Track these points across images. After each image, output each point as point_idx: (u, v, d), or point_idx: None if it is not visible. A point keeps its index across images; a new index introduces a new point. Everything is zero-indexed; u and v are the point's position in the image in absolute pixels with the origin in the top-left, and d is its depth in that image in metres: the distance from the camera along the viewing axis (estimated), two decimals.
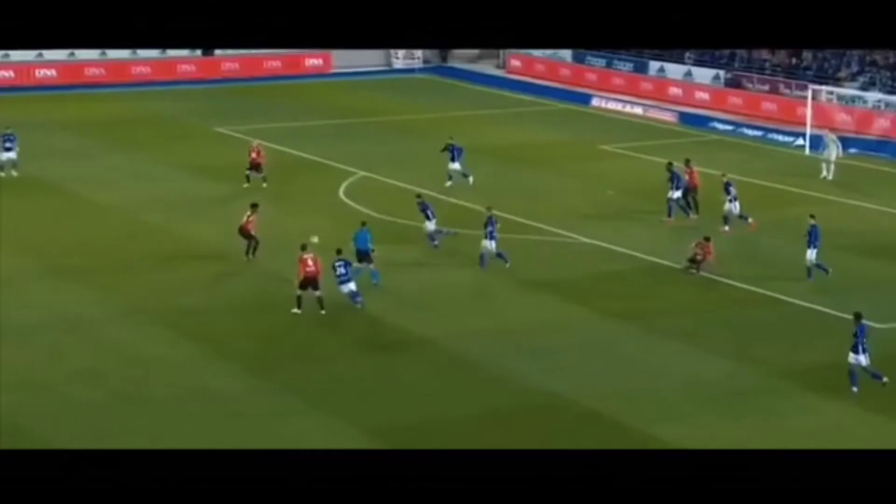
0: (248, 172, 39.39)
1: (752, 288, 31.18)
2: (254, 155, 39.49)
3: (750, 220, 35.98)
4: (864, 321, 24.79)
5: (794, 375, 25.63)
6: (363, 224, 31.61)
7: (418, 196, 34.77)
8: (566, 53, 66.08)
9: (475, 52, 71.45)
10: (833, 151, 43.98)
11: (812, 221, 31.87)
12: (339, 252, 29.08)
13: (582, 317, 29.13)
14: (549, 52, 66.82)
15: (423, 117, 54.79)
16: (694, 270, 31.71)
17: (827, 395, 24.67)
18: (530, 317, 29.17)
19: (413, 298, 30.23)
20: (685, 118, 54.64)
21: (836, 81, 54.68)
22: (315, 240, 29.34)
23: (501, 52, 69.08)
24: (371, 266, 30.58)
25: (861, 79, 54.84)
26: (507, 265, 31.88)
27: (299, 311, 28.32)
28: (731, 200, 35.92)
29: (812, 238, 31.54)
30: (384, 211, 37.96)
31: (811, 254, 31.52)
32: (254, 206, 33.03)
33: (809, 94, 50.68)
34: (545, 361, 26.33)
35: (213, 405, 23.97)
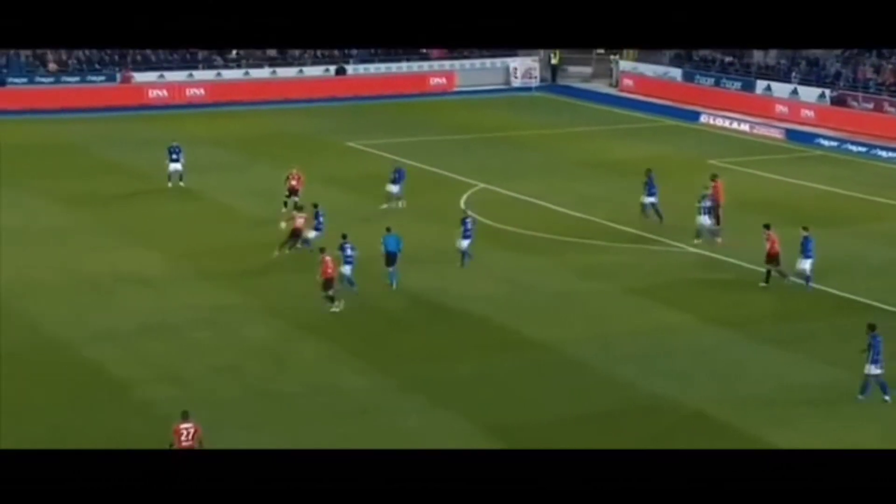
0: (285, 199, 37.11)
1: (851, 296, 30.29)
2: (293, 182, 37.34)
3: (719, 239, 34.72)
4: (876, 332, 23.87)
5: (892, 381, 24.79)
6: (388, 230, 31.52)
7: (465, 211, 34.93)
8: (676, 73, 65.18)
9: (589, 70, 70.93)
10: None
11: (805, 234, 31.08)
12: (344, 237, 30.14)
13: (687, 323, 28.63)
14: (660, 71, 65.99)
15: (540, 133, 54.55)
16: (778, 269, 30.62)
17: None
18: (639, 323, 28.79)
19: (527, 304, 30.05)
20: (791, 135, 53.44)
21: None
22: (282, 225, 30.79)
23: (614, 71, 68.44)
24: (392, 268, 30.74)
25: None
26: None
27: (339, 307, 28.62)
28: (703, 213, 34.67)
29: (805, 249, 30.77)
30: (501, 220, 37.86)
31: (805, 264, 30.70)
32: (298, 208, 34.26)
33: None
34: (652, 365, 25.93)
35: (341, 401, 24.14)
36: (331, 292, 28.97)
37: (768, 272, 31.02)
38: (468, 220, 33.40)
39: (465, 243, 32.64)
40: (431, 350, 27.02)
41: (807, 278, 30.93)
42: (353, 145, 50.42)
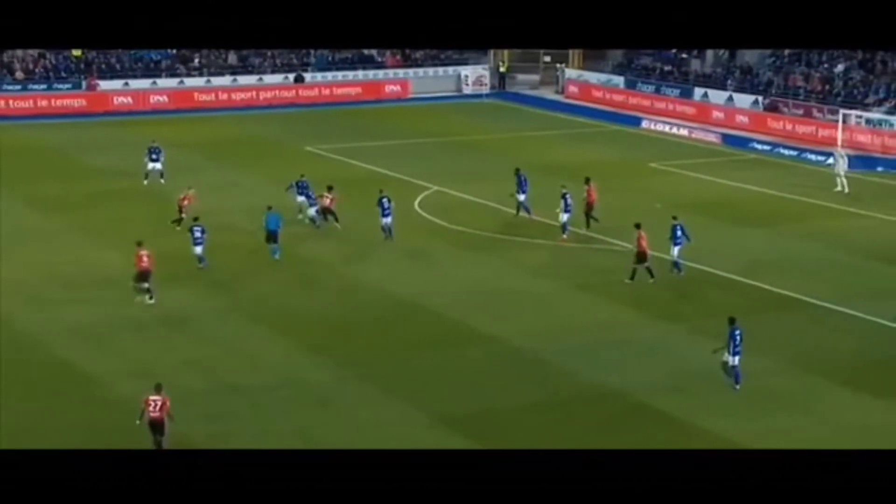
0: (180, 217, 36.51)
1: (784, 292, 30.90)
2: (185, 202, 36.78)
3: (565, 235, 35.48)
4: (736, 325, 24.44)
5: (825, 372, 25.36)
6: (269, 208, 33.42)
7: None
8: (619, 80, 65.80)
9: (536, 78, 71.39)
10: (841, 165, 43.52)
11: (674, 222, 32.01)
12: (195, 220, 32.57)
13: (630, 318, 29.04)
14: (603, 78, 66.58)
15: (490, 137, 54.90)
16: (647, 267, 31.18)
17: (855, 390, 24.36)
18: (584, 317, 29.16)
19: (478, 300, 30.34)
20: (727, 139, 54.18)
21: (865, 106, 53.90)
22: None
23: (560, 78, 68.95)
24: (276, 245, 32.86)
25: (887, 104, 53.99)
26: (390, 238, 34.65)
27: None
28: (565, 211, 35.40)
29: (675, 236, 31.72)
30: (454, 221, 38.14)
31: (675, 251, 31.68)
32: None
33: (840, 117, 50.10)
34: (596, 357, 26.30)
35: (303, 393, 24.28)
36: (146, 285, 29.38)
37: (633, 270, 31.28)
38: (385, 199, 35.07)
39: (387, 220, 34.90)
40: (388, 344, 27.22)
41: (675, 263, 31.71)
42: (311, 149, 50.47)
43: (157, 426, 21.02)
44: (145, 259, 29.52)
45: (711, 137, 54.78)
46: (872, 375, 25.43)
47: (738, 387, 24.28)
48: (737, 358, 24.29)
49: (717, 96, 60.24)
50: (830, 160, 44.88)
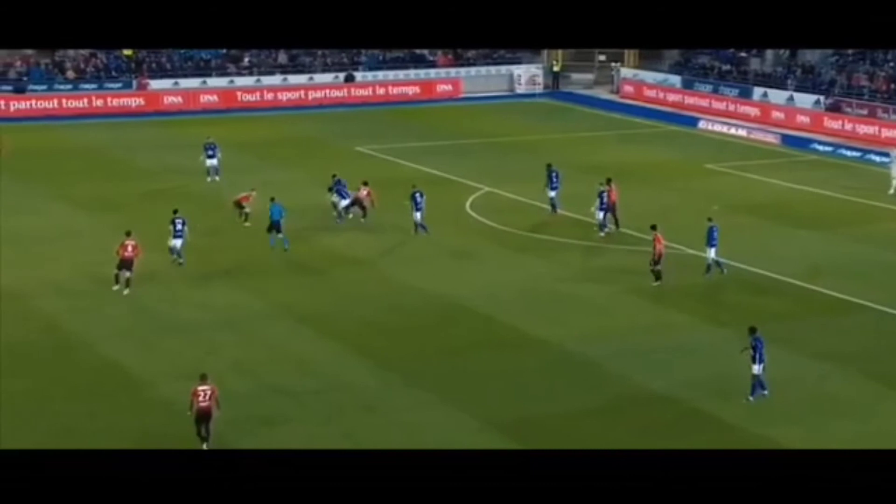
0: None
1: (844, 297, 30.49)
2: (245, 200, 37.63)
3: (602, 233, 35.52)
4: (757, 335, 24.00)
5: (884, 378, 24.98)
6: (272, 199, 34.91)
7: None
8: (676, 80, 65.36)
9: (591, 77, 71.12)
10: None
11: (710, 223, 31.89)
12: (175, 212, 33.02)
13: (683, 322, 28.81)
14: (660, 78, 66.16)
15: (543, 138, 54.78)
16: (658, 268, 31.04)
17: None
18: (635, 321, 28.98)
19: (531, 304, 30.27)
20: (787, 140, 53.59)
21: None
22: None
23: (615, 78, 68.63)
24: (281, 235, 34.17)
25: None
26: (419, 234, 35.53)
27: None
28: (600, 209, 35.46)
29: (711, 238, 31.59)
30: (505, 223, 38.10)
31: (711, 252, 31.57)
32: (365, 183, 37.54)
33: None
34: (648, 362, 26.12)
35: (351, 397, 24.36)
36: (127, 274, 30.33)
37: (657, 273, 31.16)
38: (417, 193, 35.69)
39: (417, 216, 35.63)
40: (436, 348, 27.24)
41: (716, 263, 31.68)
42: (361, 150, 50.69)
43: (205, 416, 21.56)
44: (129, 249, 30.54)
45: (771, 138, 54.22)
46: None
47: (766, 393, 23.87)
48: (761, 367, 23.85)
49: (777, 96, 59.63)
50: (888, 160, 44.34)
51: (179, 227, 32.65)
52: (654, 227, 31.68)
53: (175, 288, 31.26)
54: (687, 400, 24.09)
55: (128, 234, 31.20)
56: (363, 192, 37.39)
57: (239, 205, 37.40)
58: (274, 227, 34.43)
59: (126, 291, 30.32)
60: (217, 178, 42.91)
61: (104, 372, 25.50)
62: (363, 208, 37.43)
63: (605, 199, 35.80)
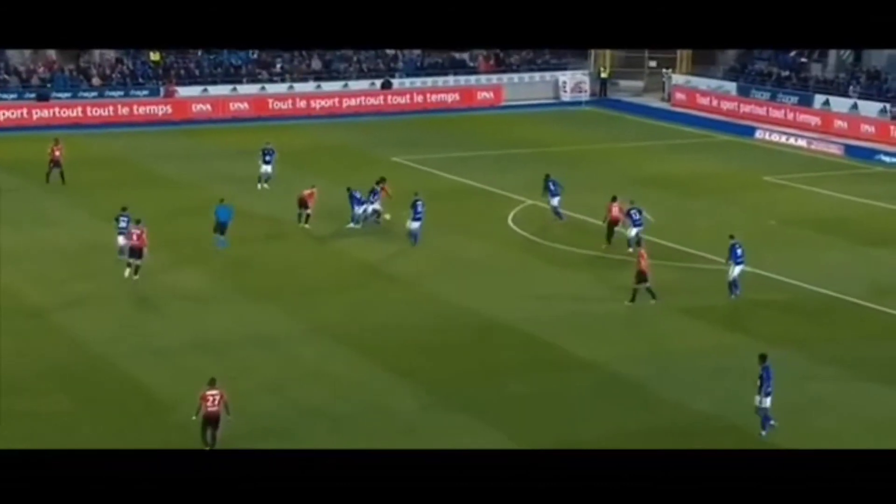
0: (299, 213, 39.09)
1: None
2: (310, 199, 39.11)
3: (630, 249, 35.38)
4: (767, 364, 23.57)
5: None
6: (222, 201, 36.56)
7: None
8: (731, 86, 65.19)
9: (640, 84, 71.08)
10: None
11: (732, 241, 31.94)
12: (124, 209, 34.60)
13: (740, 342, 28.73)
14: (714, 84, 66.00)
15: (590, 148, 54.83)
16: (644, 286, 31.05)
17: None
18: (687, 342, 28.94)
19: (577, 322, 30.32)
20: (850, 151, 53.26)
21: None
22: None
23: (666, 84, 68.54)
24: (223, 237, 35.81)
25: None
26: (416, 244, 36.01)
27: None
28: (634, 226, 35.66)
29: (735, 256, 31.60)
30: (549, 237, 38.17)
31: (735, 270, 31.58)
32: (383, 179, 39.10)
33: None
34: (700, 386, 26.06)
35: (390, 420, 24.50)
36: (138, 262, 32.71)
37: (634, 291, 31.18)
38: (419, 202, 36.27)
39: (415, 225, 36.06)
40: (478, 368, 27.34)
41: (732, 284, 31.65)
42: (398, 160, 50.95)
43: (214, 421, 22.43)
44: (135, 237, 32.73)
45: (833, 149, 53.91)
46: None
47: (774, 423, 23.51)
48: (768, 399, 23.40)
49: (840, 104, 59.30)
50: None
51: (124, 224, 34.05)
52: (638, 243, 31.46)
53: (206, 304, 31.56)
54: (743, 426, 23.99)
55: (137, 221, 33.16)
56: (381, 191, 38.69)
57: (303, 203, 38.48)
58: (219, 228, 35.91)
59: (135, 278, 32.50)
60: (266, 185, 44.08)
61: (129, 393, 25.79)
62: (377, 212, 38.64)
63: (637, 217, 35.96)
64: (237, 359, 27.74)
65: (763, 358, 23.87)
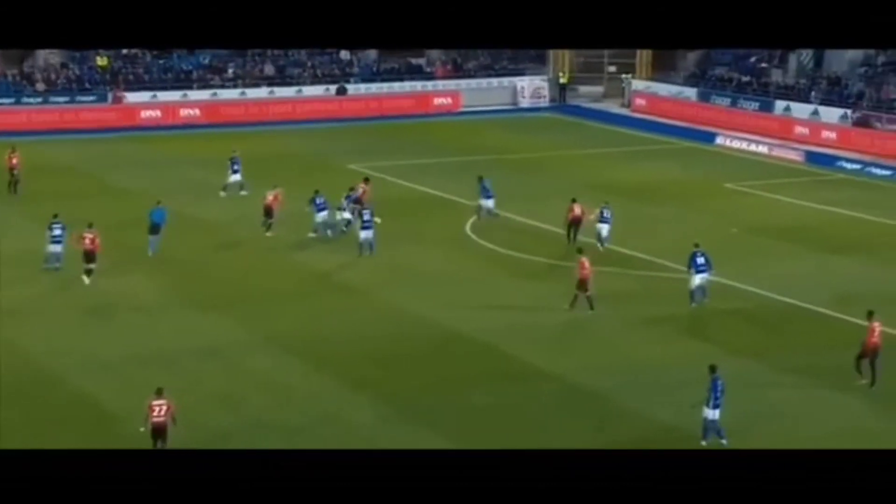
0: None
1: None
2: (274, 203, 39.30)
3: (601, 247, 36.65)
4: (717, 374, 23.69)
5: None
6: (158, 203, 37.23)
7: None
8: (691, 92, 65.70)
9: (600, 90, 71.47)
10: None
11: (696, 249, 32.31)
12: (55, 216, 34.82)
13: (705, 352, 28.87)
14: (674, 90, 66.49)
15: (549, 154, 55.02)
16: (586, 293, 31.38)
17: None
18: (652, 353, 29.08)
19: (536, 333, 30.37)
20: (811, 157, 53.82)
21: None
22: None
23: (626, 90, 68.96)
24: (156, 238, 36.33)
25: None
26: (365, 254, 36.02)
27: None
28: (603, 222, 37.04)
29: (695, 265, 31.99)
30: (509, 246, 38.23)
31: (703, 279, 31.99)
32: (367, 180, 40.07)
33: None
34: (664, 397, 26.17)
35: (346, 433, 24.40)
36: (92, 266, 33.18)
37: (574, 297, 31.53)
38: (367, 211, 36.63)
39: (365, 234, 36.30)
40: (436, 380, 27.32)
41: (693, 292, 32.03)
42: (354, 167, 50.85)
43: (160, 432, 22.36)
44: (88, 241, 33.15)
45: (794, 155, 54.45)
46: None
47: (724, 441, 23.63)
48: (717, 412, 23.47)
49: (801, 110, 59.93)
50: None
51: (58, 232, 34.21)
52: (579, 251, 32.02)
53: (156, 314, 31.34)
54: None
55: (89, 225, 33.34)
56: (360, 190, 39.04)
57: (269, 211, 38.60)
58: (153, 230, 36.37)
59: (87, 281, 32.93)
60: (243, 192, 44.29)
61: (78, 407, 25.53)
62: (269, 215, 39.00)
63: (607, 214, 37.27)
64: (187, 370, 27.56)
65: (713, 369, 23.89)
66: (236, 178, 44.64)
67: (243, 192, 44.20)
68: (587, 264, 31.66)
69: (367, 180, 40.68)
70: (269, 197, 39.30)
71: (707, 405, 23.56)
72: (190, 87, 64.22)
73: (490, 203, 40.68)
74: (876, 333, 26.70)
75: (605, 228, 37.11)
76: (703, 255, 32.43)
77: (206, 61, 65.97)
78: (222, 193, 44.37)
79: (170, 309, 31.91)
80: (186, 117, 62.13)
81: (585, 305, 31.48)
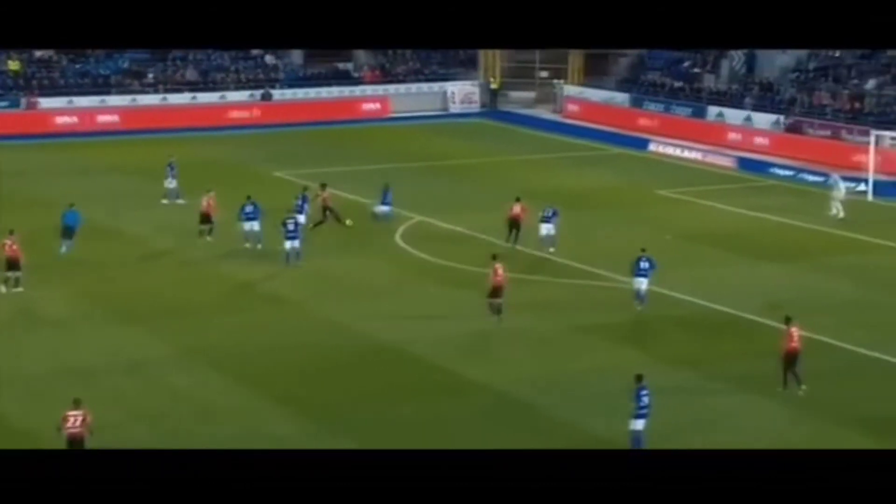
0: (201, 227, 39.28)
1: (808, 335, 31.02)
2: (209, 208, 39.28)
3: (551, 249, 38.03)
4: (643, 384, 23.86)
5: (855, 424, 25.46)
6: (71, 205, 37.81)
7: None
8: (624, 98, 66.30)
9: (531, 96, 71.87)
10: (837, 191, 44.18)
11: (641, 254, 33.08)
12: (10, 232, 34.12)
13: (635, 362, 29.09)
14: (606, 96, 67.05)
15: (480, 161, 55.19)
16: (497, 301, 31.62)
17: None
18: (583, 361, 29.24)
19: (467, 344, 30.41)
20: (744, 163, 54.55)
21: None
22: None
23: (558, 96, 69.42)
24: (70, 241, 36.77)
25: None
26: (291, 265, 36.01)
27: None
28: (545, 223, 38.29)
29: (638, 269, 32.76)
30: (439, 255, 38.25)
31: (642, 283, 32.73)
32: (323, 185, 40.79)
33: (872, 139, 50.50)
34: (597, 406, 26.32)
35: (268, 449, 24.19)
36: (18, 273, 33.24)
37: (496, 307, 31.68)
38: (290, 220, 36.39)
39: (296, 244, 36.13)
40: (365, 393, 27.22)
41: (640, 294, 32.80)
42: (280, 175, 50.63)
43: (76, 443, 22.05)
44: (8, 248, 33.07)
45: (727, 161, 55.16)
46: None
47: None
48: (641, 422, 23.55)
49: (734, 116, 60.75)
50: (830, 182, 45.43)
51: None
52: (494, 258, 32.24)
53: (73, 329, 30.90)
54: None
55: (10, 232, 33.10)
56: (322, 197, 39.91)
57: (205, 217, 38.31)
58: (66, 233, 36.83)
59: (16, 290, 32.96)
60: (179, 200, 44.09)
61: None
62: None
63: (549, 213, 38.52)
64: (106, 387, 27.19)
65: (638, 378, 24.01)
66: (172, 184, 44.46)
67: (179, 201, 44.06)
68: (501, 271, 31.74)
69: (324, 186, 40.95)
70: (204, 202, 38.97)
71: (632, 416, 23.65)
72: (108, 93, 63.51)
73: (385, 209, 41.53)
74: (794, 339, 27.18)
75: (545, 227, 38.17)
76: (647, 259, 32.77)
77: (125, 65, 65.27)
78: (164, 201, 44.31)
79: (88, 323, 31.51)
80: (104, 124, 61.43)
81: (493, 313, 31.46)
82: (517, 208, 38.78)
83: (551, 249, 37.93)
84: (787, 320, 27.51)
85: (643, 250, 33.34)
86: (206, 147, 57.43)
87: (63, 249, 36.48)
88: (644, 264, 32.78)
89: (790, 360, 27.07)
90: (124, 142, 58.21)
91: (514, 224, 38.70)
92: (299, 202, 39.30)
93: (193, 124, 62.33)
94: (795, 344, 27.13)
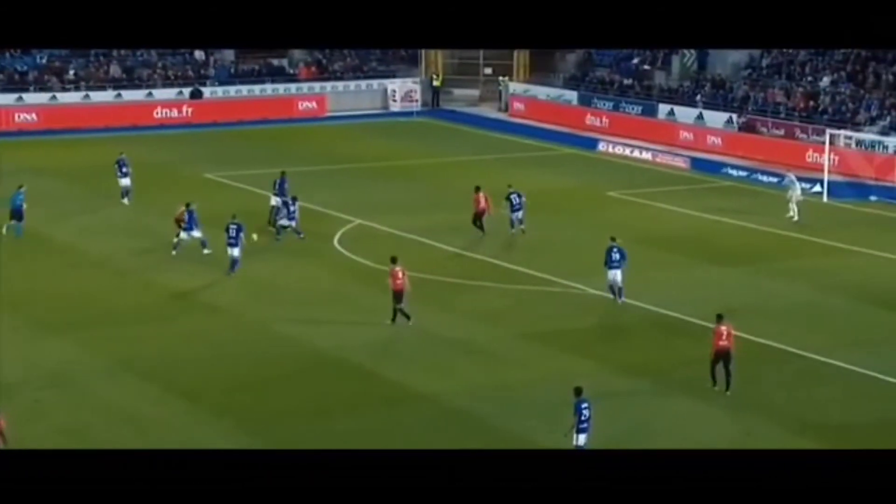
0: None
1: (762, 340, 31.63)
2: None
3: (512, 231, 40.61)
4: (583, 397, 24.11)
5: (810, 431, 26.04)
6: (20, 187, 39.88)
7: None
8: (572, 96, 66.88)
9: (475, 93, 72.30)
10: (792, 191, 44.97)
11: (612, 243, 34.03)
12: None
13: (587, 370, 29.54)
14: (554, 94, 67.63)
15: (422, 162, 55.49)
16: (400, 306, 32.21)
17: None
18: (534, 371, 29.60)
19: (409, 352, 30.68)
20: (697, 164, 55.27)
21: (855, 126, 55.35)
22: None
23: (503, 94, 69.89)
24: (21, 223, 39.08)
25: (881, 123, 55.50)
26: (233, 273, 36.17)
27: None
28: (513, 210, 40.85)
29: (610, 260, 33.67)
30: (380, 260, 38.44)
31: (615, 275, 33.67)
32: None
33: (827, 138, 51.42)
34: (548, 417, 26.70)
35: None
36: None
37: (395, 311, 32.20)
38: (232, 225, 36.40)
39: (236, 251, 36.21)
40: (304, 406, 27.41)
41: (615, 289, 33.84)
42: (210, 177, 50.59)
43: None
44: None
45: (678, 162, 55.84)
46: (861, 436, 26.10)
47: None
48: (583, 437, 23.80)
49: (685, 114, 61.45)
50: (786, 182, 46.15)
51: None
52: (394, 261, 32.64)
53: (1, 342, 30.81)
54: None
55: None
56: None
57: (180, 224, 38.49)
58: (14, 214, 38.82)
59: None
60: (125, 200, 44.70)
61: None
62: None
63: (516, 201, 40.75)
64: (29, 400, 27.14)
65: (578, 392, 24.25)
66: (126, 182, 44.73)
67: (125, 201, 44.72)
68: (400, 274, 32.07)
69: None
70: (179, 212, 38.43)
71: (571, 430, 23.86)
72: (26, 90, 63.06)
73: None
74: (724, 337, 27.85)
75: (513, 214, 40.45)
76: (618, 250, 33.33)
77: (44, 61, 64.85)
78: (125, 201, 44.80)
79: (8, 333, 31.36)
80: (22, 122, 61.01)
81: (400, 317, 32.01)
82: (482, 200, 40.41)
83: (522, 227, 40.49)
84: (719, 318, 28.23)
85: (613, 239, 33.88)
86: (132, 147, 56.92)
87: (17, 234, 38.94)
88: (615, 255, 33.34)
89: (718, 358, 27.78)
90: (44, 142, 57.82)
91: (480, 217, 40.43)
92: (293, 208, 40.27)
93: (118, 123, 62.12)
94: (724, 342, 27.81)
